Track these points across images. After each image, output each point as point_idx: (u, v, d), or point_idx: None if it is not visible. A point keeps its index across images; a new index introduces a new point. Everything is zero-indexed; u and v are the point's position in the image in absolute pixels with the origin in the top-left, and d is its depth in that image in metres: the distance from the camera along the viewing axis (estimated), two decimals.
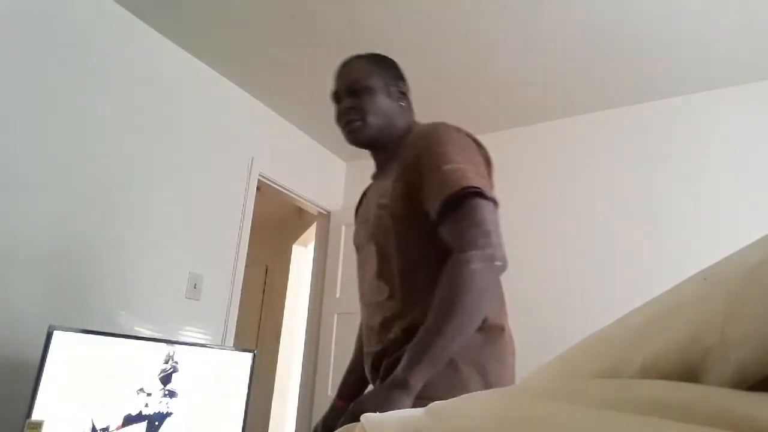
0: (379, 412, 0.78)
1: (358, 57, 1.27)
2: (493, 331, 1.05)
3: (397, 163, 1.14)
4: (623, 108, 2.87)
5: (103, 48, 2.24)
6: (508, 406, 0.45)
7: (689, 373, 0.34)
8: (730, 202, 2.48)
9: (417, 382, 0.91)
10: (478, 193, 0.98)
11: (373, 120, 1.18)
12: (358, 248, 1.25)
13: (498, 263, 0.97)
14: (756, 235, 0.39)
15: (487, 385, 1.00)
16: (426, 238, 1.04)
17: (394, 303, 1.09)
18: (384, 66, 1.25)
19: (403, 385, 0.90)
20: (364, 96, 1.19)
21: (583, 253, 2.74)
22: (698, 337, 0.34)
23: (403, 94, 1.24)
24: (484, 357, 1.02)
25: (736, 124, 2.58)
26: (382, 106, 1.19)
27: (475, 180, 0.99)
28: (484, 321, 1.02)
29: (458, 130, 1.12)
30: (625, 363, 0.39)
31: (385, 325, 1.09)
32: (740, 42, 2.32)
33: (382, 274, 1.12)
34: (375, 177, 1.29)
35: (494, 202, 1.02)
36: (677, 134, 2.70)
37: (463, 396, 0.54)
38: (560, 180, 2.94)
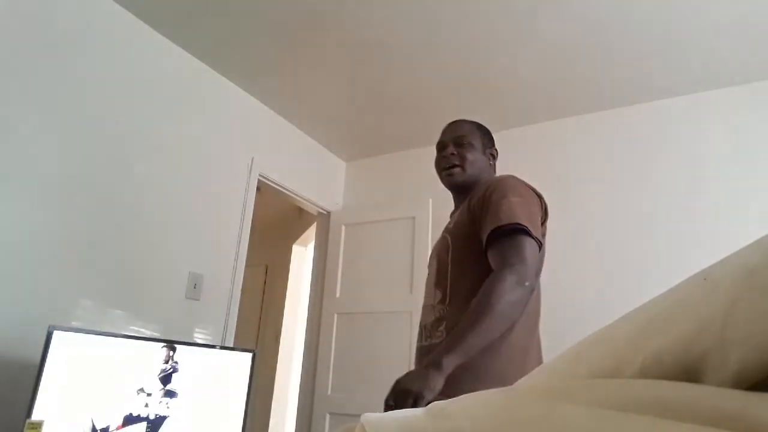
0: (414, 387, 1.05)
1: (466, 120, 1.56)
2: (515, 350, 1.22)
3: (468, 200, 1.39)
4: (623, 108, 2.87)
5: (103, 48, 2.24)
6: (509, 406, 0.45)
7: (689, 373, 0.34)
8: (730, 202, 2.48)
9: (449, 365, 1.08)
10: (524, 230, 1.20)
11: (470, 169, 1.45)
12: (429, 264, 1.49)
13: (527, 283, 1.16)
14: (756, 236, 0.39)
15: None
16: (476, 259, 1.26)
17: (443, 306, 1.32)
18: (485, 131, 1.54)
19: (437, 365, 1.08)
20: (467, 149, 1.47)
21: (583, 253, 2.74)
22: (698, 337, 0.34)
23: (494, 157, 1.53)
24: (506, 371, 1.17)
25: (736, 124, 2.57)
26: (478, 160, 1.47)
27: (523, 219, 1.21)
28: (510, 337, 1.20)
29: (524, 183, 1.36)
30: (625, 363, 0.39)
31: (434, 325, 1.31)
32: (740, 42, 2.32)
33: (439, 283, 1.37)
34: (451, 214, 1.54)
35: (539, 242, 1.22)
36: (677, 134, 2.70)
37: (463, 396, 0.54)
38: (560, 180, 2.94)
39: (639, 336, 0.40)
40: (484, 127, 1.55)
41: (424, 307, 1.41)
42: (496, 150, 1.55)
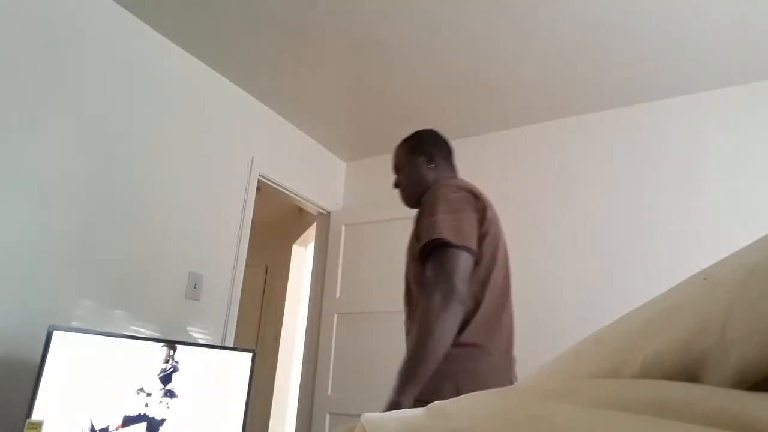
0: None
1: (399, 144, 1.63)
2: (469, 348, 1.28)
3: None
4: (623, 108, 2.87)
5: (103, 48, 2.24)
6: (509, 406, 0.45)
7: (689, 372, 0.34)
8: (730, 202, 2.48)
9: (407, 401, 1.15)
10: (447, 243, 1.25)
11: (407, 192, 1.56)
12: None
13: (455, 296, 1.22)
14: (755, 236, 0.39)
15: (459, 393, 1.11)
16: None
17: (409, 322, 1.41)
18: (411, 143, 1.59)
19: (395, 405, 1.15)
20: (400, 175, 1.59)
21: (583, 253, 2.74)
22: (698, 337, 0.34)
23: (431, 159, 1.54)
24: (459, 369, 1.25)
25: (736, 124, 2.57)
26: (414, 178, 1.54)
27: (445, 232, 1.25)
28: (459, 337, 1.26)
29: (455, 188, 1.38)
30: (625, 363, 0.39)
31: (407, 341, 1.38)
32: (740, 42, 2.32)
33: (406, 300, 1.47)
34: None
35: (464, 248, 1.26)
36: (677, 134, 2.70)
37: (463, 396, 0.54)
38: (560, 180, 2.94)
39: (639, 336, 0.40)
40: (411, 138, 1.61)
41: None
42: (428, 151, 1.55)
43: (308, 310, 3.48)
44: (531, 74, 2.64)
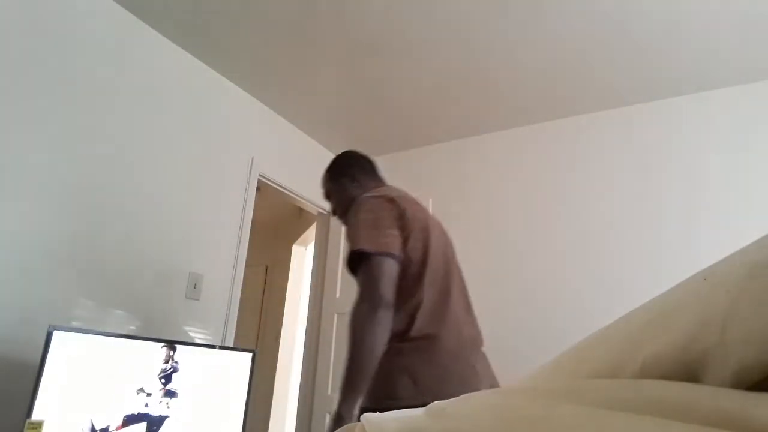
0: None
1: (324, 173, 1.73)
2: (419, 341, 1.32)
3: None
4: (623, 108, 2.87)
5: (102, 48, 2.24)
6: (509, 406, 0.45)
7: (689, 373, 0.34)
8: (731, 201, 2.48)
9: (348, 412, 1.21)
10: (368, 253, 1.31)
11: (342, 216, 1.63)
12: None
13: (380, 303, 1.26)
14: (756, 235, 0.39)
15: (417, 384, 1.26)
16: None
17: None
18: (335, 169, 1.70)
19: (339, 418, 1.21)
20: (330, 200, 1.70)
21: (583, 253, 2.75)
22: (698, 337, 0.34)
23: (353, 178, 1.65)
24: (412, 362, 1.30)
25: (737, 124, 2.58)
26: (343, 200, 1.63)
27: (363, 242, 1.32)
28: (409, 333, 1.32)
29: (374, 198, 1.45)
30: (625, 363, 0.39)
31: None
32: (740, 42, 2.32)
33: None
34: None
35: (385, 254, 1.31)
36: (678, 134, 2.70)
37: (463, 396, 0.54)
38: (560, 180, 2.94)
39: (639, 336, 0.40)
40: (331, 165, 1.73)
41: None
42: (349, 172, 1.67)
43: (308, 310, 3.48)
44: (531, 74, 2.64)
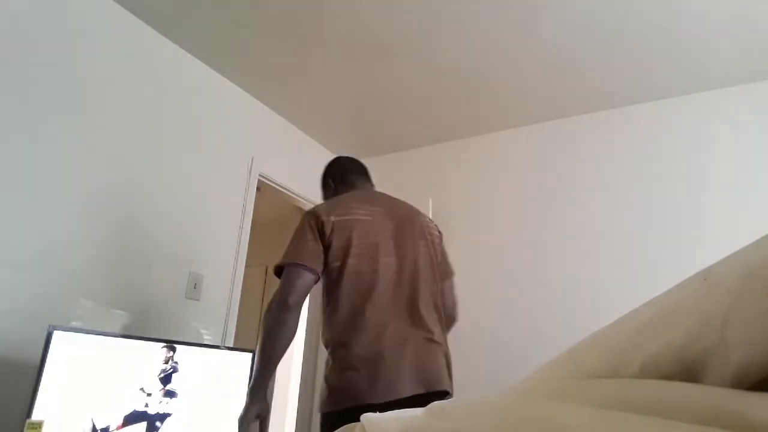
0: (238, 420, 1.38)
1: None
2: (337, 349, 1.46)
3: None
4: (623, 108, 2.87)
5: (102, 47, 2.24)
6: (509, 406, 0.45)
7: (689, 373, 0.34)
8: (730, 202, 2.48)
9: (252, 400, 1.39)
10: (283, 265, 1.49)
11: None
12: None
13: (283, 308, 1.42)
14: (756, 235, 0.39)
15: (332, 393, 1.41)
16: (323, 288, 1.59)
17: None
18: (322, 180, 1.88)
19: (246, 406, 1.40)
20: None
21: (583, 253, 2.74)
22: (698, 337, 0.34)
23: (332, 187, 1.82)
24: (329, 371, 1.45)
25: (736, 124, 2.58)
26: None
27: (285, 257, 1.50)
28: (333, 342, 1.47)
29: (306, 215, 1.60)
30: (625, 363, 0.39)
31: None
32: (740, 42, 2.32)
33: None
34: None
35: (296, 265, 1.47)
36: (677, 134, 2.70)
37: (463, 396, 0.54)
38: (559, 180, 2.94)
39: (639, 336, 0.40)
40: (327, 166, 1.89)
41: None
42: (328, 182, 1.85)
43: (308, 309, 3.47)
44: (531, 74, 2.64)
